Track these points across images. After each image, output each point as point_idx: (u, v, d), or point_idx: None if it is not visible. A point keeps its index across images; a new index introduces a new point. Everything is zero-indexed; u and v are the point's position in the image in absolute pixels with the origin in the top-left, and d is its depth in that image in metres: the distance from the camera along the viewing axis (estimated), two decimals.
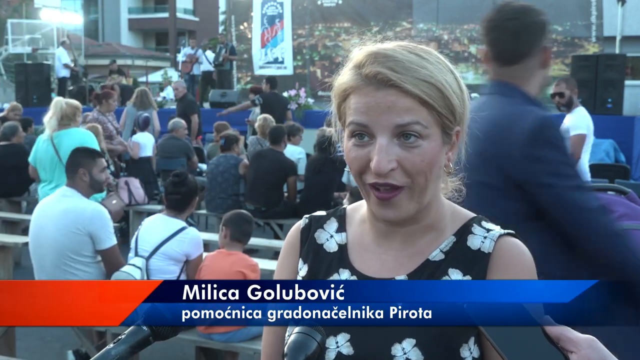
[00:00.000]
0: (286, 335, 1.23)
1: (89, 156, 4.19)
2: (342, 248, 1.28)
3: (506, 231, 1.22)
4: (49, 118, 5.61)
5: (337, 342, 1.18)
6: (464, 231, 1.22)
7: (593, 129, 5.81)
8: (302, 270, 1.29)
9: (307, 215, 1.35)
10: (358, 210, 1.33)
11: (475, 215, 1.27)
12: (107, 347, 1.02)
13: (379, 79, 1.12)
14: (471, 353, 1.15)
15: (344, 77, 1.19)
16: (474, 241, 1.21)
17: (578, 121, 5.78)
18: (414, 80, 1.12)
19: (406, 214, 1.16)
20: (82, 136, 5.70)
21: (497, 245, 1.19)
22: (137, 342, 1.02)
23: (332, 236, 1.30)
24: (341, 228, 1.31)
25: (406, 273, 1.20)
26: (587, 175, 5.77)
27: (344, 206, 1.37)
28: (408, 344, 1.14)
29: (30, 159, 5.89)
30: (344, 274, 1.24)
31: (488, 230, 1.22)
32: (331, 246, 1.29)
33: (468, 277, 1.18)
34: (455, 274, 1.18)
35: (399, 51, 1.15)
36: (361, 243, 1.27)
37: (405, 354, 1.14)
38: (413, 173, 1.13)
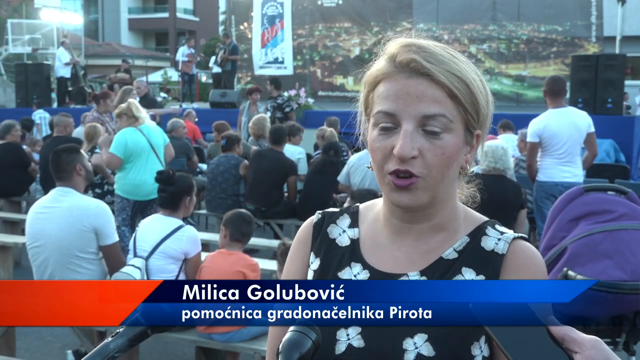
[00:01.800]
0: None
1: (76, 151, 4.23)
2: (355, 243, 1.28)
3: (520, 234, 1.23)
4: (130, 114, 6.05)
5: (348, 335, 1.18)
6: (478, 233, 1.23)
7: (555, 131, 5.73)
8: (314, 264, 1.29)
9: (320, 211, 1.36)
10: (371, 208, 1.33)
11: (488, 219, 1.28)
12: (106, 340, 1.02)
13: (412, 67, 1.15)
14: (482, 352, 1.15)
15: (377, 65, 1.21)
16: (488, 242, 1.22)
17: (528, 129, 5.86)
18: (445, 72, 1.14)
19: (420, 201, 1.17)
20: (159, 129, 6.40)
21: (511, 248, 1.20)
22: (135, 335, 1.02)
23: (344, 231, 1.31)
24: (354, 224, 1.31)
25: (419, 270, 1.21)
26: (551, 175, 5.81)
27: (357, 204, 1.37)
28: (420, 338, 1.14)
29: (119, 152, 6.02)
30: (356, 268, 1.25)
31: (502, 233, 1.23)
32: (343, 240, 1.29)
33: (481, 277, 1.18)
34: (468, 273, 1.19)
35: (432, 45, 1.18)
36: (374, 239, 1.28)
37: (416, 348, 1.14)
38: (432, 165, 1.15)
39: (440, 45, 1.19)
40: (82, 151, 4.27)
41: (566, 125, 5.77)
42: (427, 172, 1.15)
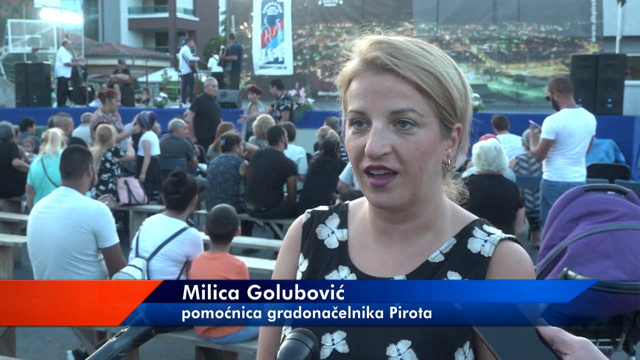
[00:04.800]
0: (282, 333, 1.24)
1: (89, 153, 4.23)
2: (343, 245, 1.27)
3: (507, 235, 1.21)
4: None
5: (333, 340, 1.18)
6: (465, 234, 1.21)
7: (572, 131, 5.81)
8: (302, 266, 1.29)
9: (310, 210, 1.35)
10: (360, 207, 1.32)
11: (477, 218, 1.26)
12: (110, 340, 1.02)
13: (378, 63, 1.14)
14: (466, 357, 1.14)
15: (349, 65, 1.21)
16: (475, 244, 1.20)
17: (545, 125, 5.89)
18: (412, 67, 1.13)
19: (399, 200, 1.16)
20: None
21: (498, 250, 1.18)
22: (140, 335, 1.03)
23: (333, 232, 1.30)
24: (343, 224, 1.30)
25: (405, 274, 1.20)
26: (563, 175, 5.87)
27: (346, 202, 1.36)
28: (403, 345, 1.14)
29: (29, 180, 6.43)
30: (343, 272, 1.24)
31: (489, 234, 1.21)
32: (332, 242, 1.28)
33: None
34: (454, 277, 1.18)
35: (402, 41, 1.16)
36: (362, 241, 1.26)
37: (400, 355, 1.13)
38: (407, 160, 1.13)
39: (412, 41, 1.17)
40: (91, 155, 4.33)
41: (582, 126, 5.87)
42: (404, 168, 1.13)
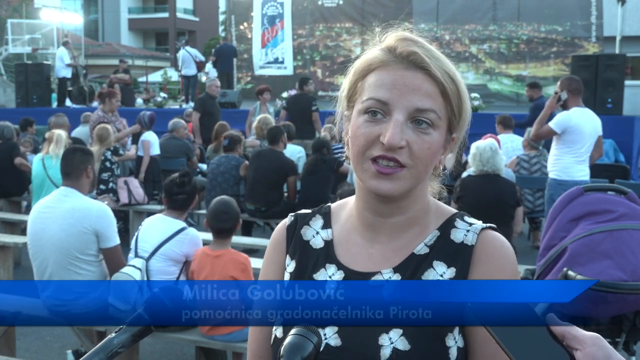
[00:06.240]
0: (272, 333, 1.24)
1: (89, 153, 4.22)
2: (328, 244, 1.29)
3: (488, 225, 1.25)
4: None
5: (325, 334, 1.19)
6: (447, 225, 1.25)
7: (582, 130, 5.88)
8: (290, 267, 1.30)
9: (293, 213, 1.37)
10: (343, 207, 1.34)
11: (457, 211, 1.29)
12: (110, 336, 1.03)
13: (412, 59, 1.17)
14: (456, 342, 1.16)
15: (371, 54, 1.22)
16: (457, 234, 1.23)
17: (558, 118, 5.97)
18: (441, 70, 1.17)
19: (399, 191, 1.18)
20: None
21: (480, 238, 1.22)
22: (139, 331, 1.03)
23: (317, 233, 1.32)
24: (327, 225, 1.32)
25: (392, 267, 1.22)
26: (571, 174, 5.93)
27: (328, 204, 1.38)
28: (395, 333, 1.15)
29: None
30: (331, 269, 1.26)
31: (470, 224, 1.25)
32: (317, 242, 1.30)
33: (452, 269, 1.20)
34: (439, 266, 1.20)
35: (427, 43, 1.20)
36: (348, 238, 1.29)
37: (392, 343, 1.15)
38: (418, 157, 1.16)
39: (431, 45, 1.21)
40: (92, 156, 4.31)
41: (591, 127, 5.96)
42: (413, 164, 1.16)
